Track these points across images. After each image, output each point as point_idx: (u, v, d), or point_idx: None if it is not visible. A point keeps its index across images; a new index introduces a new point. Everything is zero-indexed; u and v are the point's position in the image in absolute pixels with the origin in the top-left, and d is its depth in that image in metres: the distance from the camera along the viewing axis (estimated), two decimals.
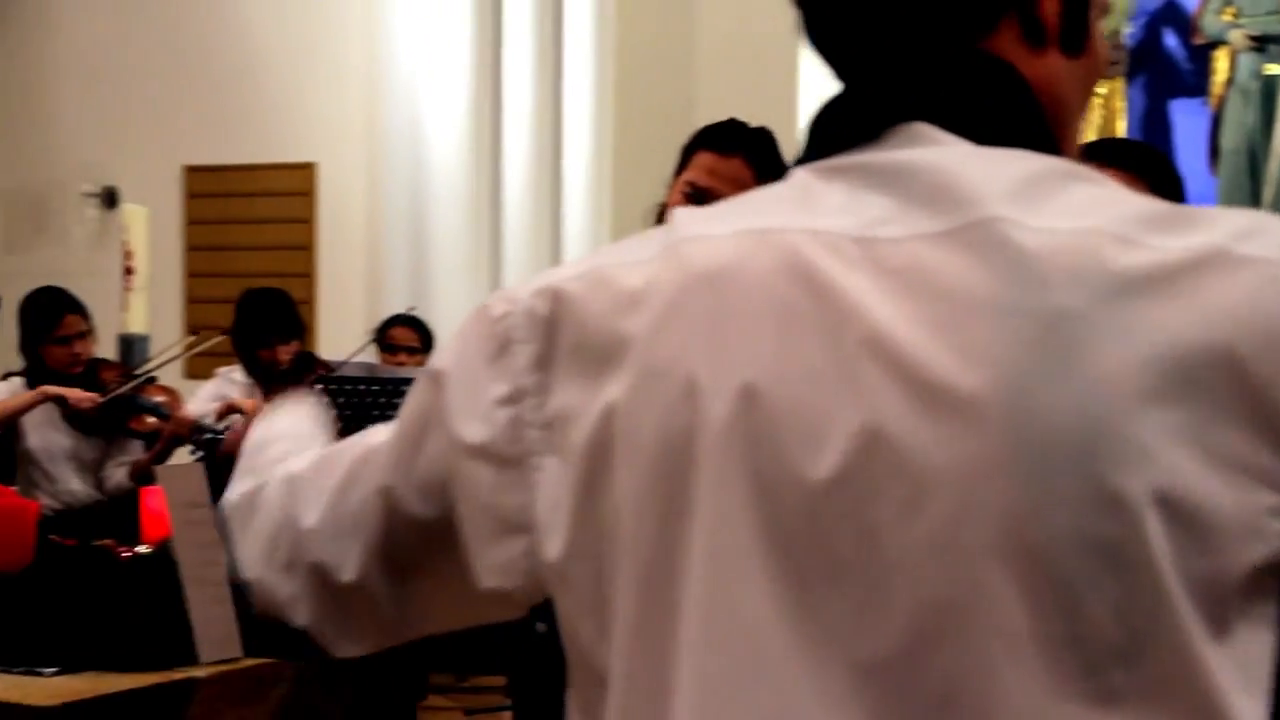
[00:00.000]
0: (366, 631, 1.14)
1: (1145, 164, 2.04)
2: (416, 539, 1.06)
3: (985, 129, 0.95)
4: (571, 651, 0.98)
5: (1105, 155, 2.00)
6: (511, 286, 1.03)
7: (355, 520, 1.08)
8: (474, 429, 0.99)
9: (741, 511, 0.88)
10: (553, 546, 0.95)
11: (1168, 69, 10.51)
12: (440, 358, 1.03)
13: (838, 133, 0.98)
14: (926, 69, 0.97)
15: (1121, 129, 10.24)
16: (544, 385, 0.97)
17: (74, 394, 4.92)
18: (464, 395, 1.00)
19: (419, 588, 1.10)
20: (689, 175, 2.64)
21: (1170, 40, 10.48)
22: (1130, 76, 10.42)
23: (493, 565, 1.00)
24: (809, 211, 0.94)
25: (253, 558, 1.15)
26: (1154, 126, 10.04)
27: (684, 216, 0.98)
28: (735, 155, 2.59)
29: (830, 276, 0.89)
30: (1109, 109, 10.39)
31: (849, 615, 0.86)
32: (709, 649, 0.88)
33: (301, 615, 1.12)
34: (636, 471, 0.91)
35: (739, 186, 2.56)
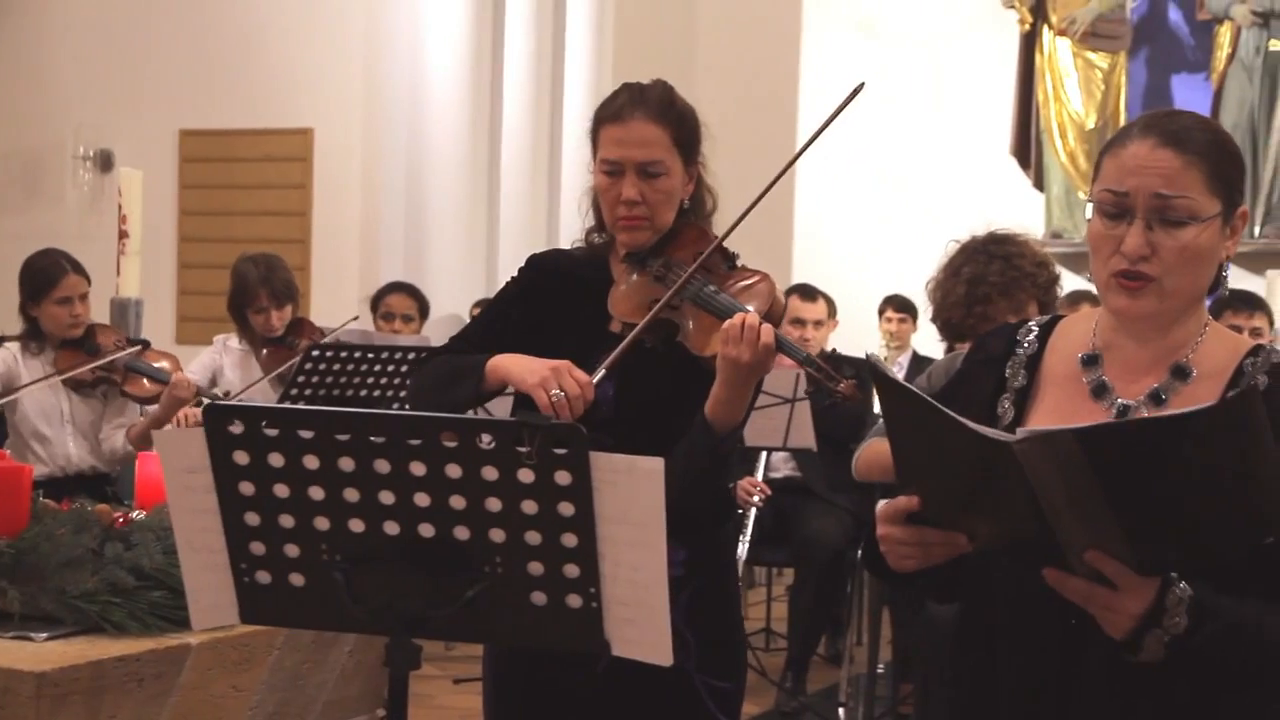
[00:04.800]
0: None
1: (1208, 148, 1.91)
2: None
3: None
4: None
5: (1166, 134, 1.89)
6: None
7: None
8: None
9: None
10: None
11: (1170, 44, 10.46)
12: None
13: None
14: None
15: (1122, 104, 10.21)
16: None
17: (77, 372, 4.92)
18: None
19: None
20: (601, 154, 2.65)
21: (1174, 15, 10.43)
22: (1132, 51, 10.38)
23: None
24: None
25: None
26: (1155, 101, 10.00)
27: None
28: (633, 118, 2.61)
29: None
30: (1110, 83, 10.34)
31: None
32: None
33: None
34: None
35: (648, 146, 2.58)
